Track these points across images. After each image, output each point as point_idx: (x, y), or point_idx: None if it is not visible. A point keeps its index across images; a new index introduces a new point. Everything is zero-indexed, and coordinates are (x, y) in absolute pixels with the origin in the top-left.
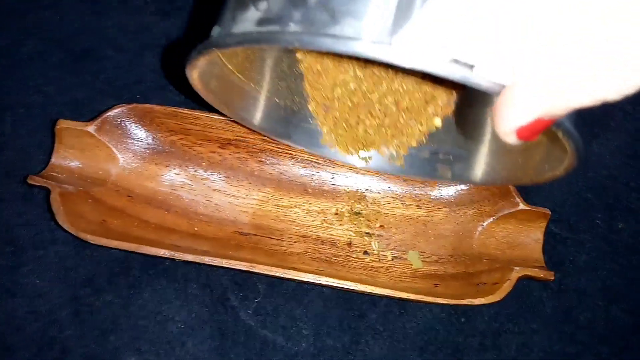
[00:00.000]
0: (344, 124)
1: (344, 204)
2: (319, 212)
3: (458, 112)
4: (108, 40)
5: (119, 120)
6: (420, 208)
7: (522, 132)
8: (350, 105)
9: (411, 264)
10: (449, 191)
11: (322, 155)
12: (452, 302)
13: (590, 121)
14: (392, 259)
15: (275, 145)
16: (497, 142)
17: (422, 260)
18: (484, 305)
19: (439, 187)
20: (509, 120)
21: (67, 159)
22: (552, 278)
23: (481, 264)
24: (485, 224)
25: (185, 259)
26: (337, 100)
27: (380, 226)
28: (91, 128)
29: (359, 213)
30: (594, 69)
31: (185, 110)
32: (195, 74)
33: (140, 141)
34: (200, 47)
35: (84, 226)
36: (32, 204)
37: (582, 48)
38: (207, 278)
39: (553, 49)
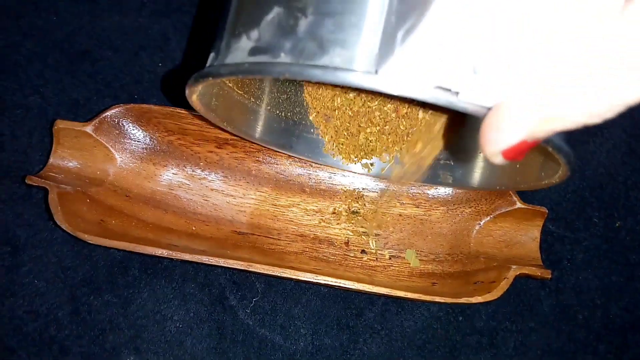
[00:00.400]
0: (345, 133)
1: (342, 203)
2: (316, 212)
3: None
4: (105, 41)
5: (116, 120)
6: (418, 207)
7: (507, 153)
8: (351, 113)
9: (409, 263)
10: (446, 190)
11: (325, 163)
12: (449, 300)
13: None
14: (390, 258)
15: None
16: None
17: (420, 259)
18: (481, 303)
19: (436, 186)
20: (495, 142)
21: (65, 159)
22: (550, 276)
23: (478, 263)
24: (482, 222)
25: (183, 259)
26: (338, 109)
27: (378, 225)
28: (89, 128)
29: (357, 212)
30: (590, 68)
31: (183, 110)
32: (194, 96)
33: (137, 141)
34: (196, 76)
35: (82, 226)
36: (31, 204)
37: (578, 46)
38: (205, 277)
39: (549, 47)
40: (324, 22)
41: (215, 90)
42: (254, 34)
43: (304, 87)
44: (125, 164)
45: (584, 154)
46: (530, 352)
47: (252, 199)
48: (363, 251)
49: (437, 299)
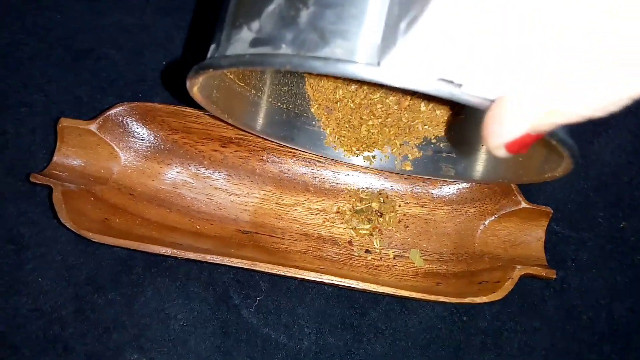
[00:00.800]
0: (347, 125)
1: (346, 202)
2: (320, 211)
3: (458, 115)
4: (109, 39)
5: (120, 118)
6: (422, 206)
7: (511, 146)
8: (353, 106)
9: (413, 263)
10: (450, 189)
11: (326, 156)
12: (453, 300)
13: (592, 119)
14: (394, 257)
15: (276, 143)
16: None
17: (424, 259)
18: (485, 303)
19: (441, 185)
20: (498, 135)
21: (69, 157)
22: (554, 276)
23: (483, 263)
24: (487, 222)
25: (187, 257)
26: (340, 101)
27: (382, 224)
28: (93, 126)
29: (361, 211)
30: (601, 63)
31: (187, 109)
32: (195, 88)
33: (142, 139)
34: (197, 68)
35: (86, 224)
36: (35, 202)
37: (590, 41)
38: (209, 276)
39: (560, 43)
40: (325, 13)
41: (216, 82)
42: (255, 25)
43: (306, 79)
44: (129, 163)
45: (588, 154)
46: (534, 353)
47: (256, 197)
48: (367, 250)
49: (442, 298)
